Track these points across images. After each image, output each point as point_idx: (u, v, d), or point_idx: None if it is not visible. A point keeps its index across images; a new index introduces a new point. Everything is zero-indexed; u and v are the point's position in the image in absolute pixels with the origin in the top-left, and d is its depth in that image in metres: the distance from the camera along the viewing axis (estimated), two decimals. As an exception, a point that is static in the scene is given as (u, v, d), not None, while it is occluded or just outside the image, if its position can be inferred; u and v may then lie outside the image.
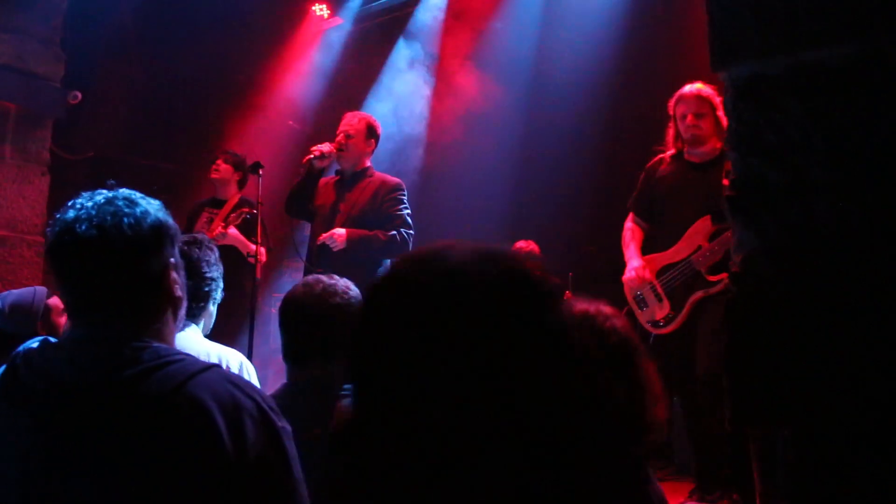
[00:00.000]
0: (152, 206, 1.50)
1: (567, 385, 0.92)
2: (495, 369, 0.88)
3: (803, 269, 1.41)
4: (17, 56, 5.57)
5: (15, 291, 3.74)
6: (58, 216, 1.48)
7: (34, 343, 1.50)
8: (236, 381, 1.42)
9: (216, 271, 2.47)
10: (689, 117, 3.97)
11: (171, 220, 1.53)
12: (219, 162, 5.40)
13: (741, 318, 1.46)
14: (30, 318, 3.63)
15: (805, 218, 1.42)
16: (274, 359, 6.02)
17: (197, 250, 2.40)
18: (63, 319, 3.81)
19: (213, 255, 2.47)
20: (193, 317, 2.38)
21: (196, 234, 2.59)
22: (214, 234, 4.89)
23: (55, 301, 3.80)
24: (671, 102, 4.08)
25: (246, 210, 5.03)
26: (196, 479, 1.31)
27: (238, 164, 5.42)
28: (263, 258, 4.94)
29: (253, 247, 4.78)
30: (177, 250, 1.55)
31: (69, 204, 1.48)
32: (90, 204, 1.46)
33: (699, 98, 3.97)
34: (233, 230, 4.99)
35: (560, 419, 0.90)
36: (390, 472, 0.91)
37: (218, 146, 6.03)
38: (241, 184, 5.46)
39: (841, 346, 1.34)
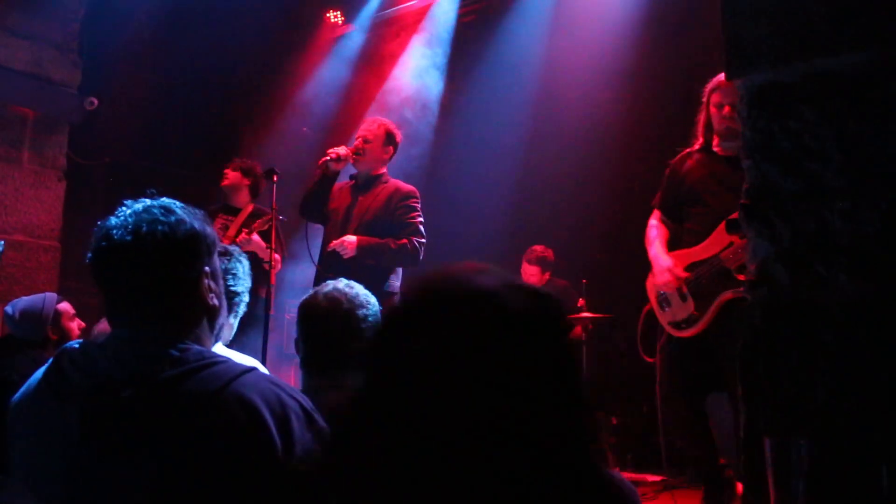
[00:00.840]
0: (189, 215, 1.53)
1: (567, 409, 0.99)
2: (513, 391, 0.94)
3: (818, 276, 1.41)
4: (34, 62, 5.63)
5: (25, 298, 3.79)
6: (99, 223, 1.52)
7: (75, 344, 1.53)
8: (278, 382, 1.45)
9: (242, 285, 2.46)
10: (727, 108, 3.68)
11: (208, 230, 1.56)
12: (226, 171, 5.43)
13: (756, 327, 1.46)
14: (40, 323, 3.68)
15: (820, 225, 1.42)
16: (286, 365, 6.04)
17: (226, 261, 2.40)
18: (74, 324, 3.85)
19: (242, 268, 2.46)
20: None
21: (228, 246, 2.58)
22: (240, 239, 4.93)
23: (65, 306, 3.84)
24: (707, 88, 3.81)
25: (271, 217, 5.08)
26: (245, 475, 1.32)
27: (247, 171, 5.44)
28: (278, 265, 4.96)
29: (276, 255, 4.82)
30: (215, 259, 1.58)
31: (114, 212, 1.52)
32: (129, 212, 1.50)
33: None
34: (256, 237, 5.03)
35: (556, 432, 0.96)
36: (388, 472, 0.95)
37: (232, 153, 6.07)
38: (254, 190, 5.47)
39: (857, 354, 1.34)
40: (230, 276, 2.41)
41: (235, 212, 5.39)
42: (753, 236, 1.51)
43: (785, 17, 1.50)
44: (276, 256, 4.78)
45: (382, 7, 7.39)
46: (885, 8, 1.38)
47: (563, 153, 6.61)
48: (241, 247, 3.40)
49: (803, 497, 1.37)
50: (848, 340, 1.35)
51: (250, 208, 5.42)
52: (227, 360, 1.43)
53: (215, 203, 5.48)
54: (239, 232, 5.14)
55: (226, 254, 2.44)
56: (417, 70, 7.28)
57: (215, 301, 1.56)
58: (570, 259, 6.54)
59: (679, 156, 3.98)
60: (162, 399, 1.36)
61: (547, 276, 6.47)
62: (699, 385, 3.77)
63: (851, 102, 1.43)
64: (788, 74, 1.51)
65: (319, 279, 3.95)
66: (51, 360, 1.52)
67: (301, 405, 1.42)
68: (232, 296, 2.43)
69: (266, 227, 4.99)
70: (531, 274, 6.44)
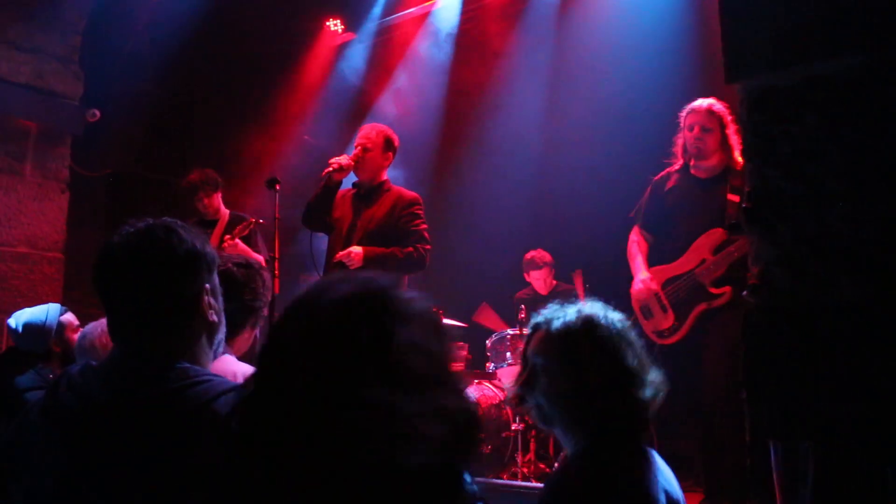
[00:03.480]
0: (190, 235, 1.57)
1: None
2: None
3: (819, 278, 1.41)
4: (36, 75, 5.65)
5: (28, 310, 3.78)
6: (105, 241, 1.56)
7: (76, 366, 1.56)
8: None
9: (261, 299, 2.44)
10: (697, 129, 4.08)
11: (209, 249, 1.60)
12: (205, 201, 5.38)
13: (759, 330, 1.46)
14: (42, 335, 3.67)
15: (821, 228, 1.42)
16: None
17: (244, 273, 2.40)
18: (76, 335, 3.83)
19: (262, 282, 2.45)
20: (226, 338, 2.38)
21: (250, 259, 2.57)
22: (224, 246, 4.92)
23: (69, 317, 3.83)
24: (682, 113, 4.18)
25: (253, 221, 5.08)
26: (217, 496, 1.33)
27: (213, 183, 5.40)
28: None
29: (259, 256, 4.79)
30: (215, 277, 1.61)
31: (116, 231, 1.57)
32: (132, 230, 1.54)
33: (709, 113, 4.07)
34: (241, 243, 5.02)
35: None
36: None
37: (234, 163, 6.06)
38: (218, 192, 5.43)
39: (859, 356, 1.34)
40: (247, 290, 2.39)
41: (213, 224, 5.38)
42: (755, 240, 1.52)
43: (783, 22, 1.50)
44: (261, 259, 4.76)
45: (383, 15, 7.41)
46: (880, 11, 1.39)
47: (575, 160, 6.57)
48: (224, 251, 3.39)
49: (809, 500, 1.37)
50: (850, 342, 1.35)
51: (227, 216, 5.41)
52: (211, 380, 1.45)
53: (192, 218, 5.43)
54: (221, 240, 5.14)
55: (245, 265, 2.43)
56: (421, 75, 7.28)
57: (214, 317, 1.59)
58: (577, 264, 6.51)
59: (661, 174, 4.33)
60: (140, 422, 1.39)
61: (553, 282, 6.47)
62: (687, 388, 3.94)
63: (850, 105, 1.44)
64: (787, 78, 1.51)
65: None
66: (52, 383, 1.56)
67: None
68: (249, 310, 2.42)
69: (247, 231, 5.01)
70: (538, 278, 6.42)
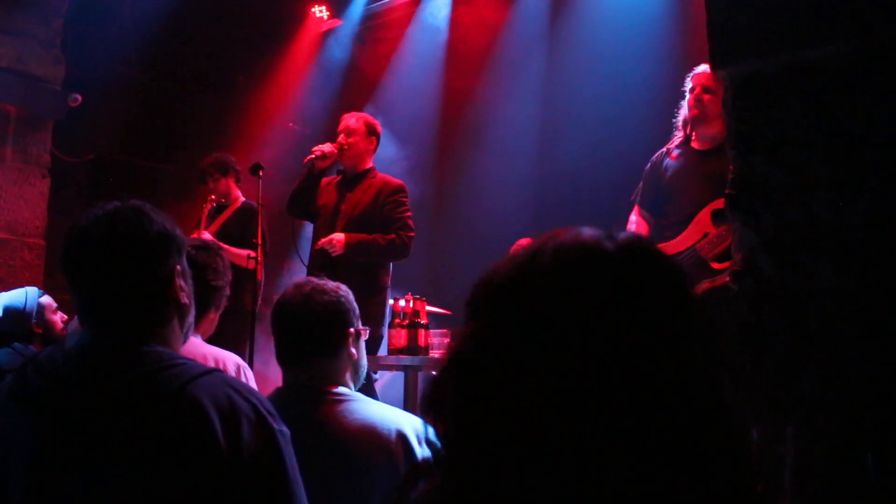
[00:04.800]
0: (159, 217, 1.55)
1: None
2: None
3: (804, 266, 1.42)
4: (17, 58, 5.58)
5: (6, 293, 3.80)
6: (71, 225, 1.53)
7: (46, 350, 1.54)
8: (235, 385, 1.44)
9: (222, 279, 2.46)
10: (698, 89, 3.77)
11: (178, 231, 1.58)
12: (210, 185, 5.33)
13: (743, 316, 1.47)
14: (23, 318, 3.70)
15: (805, 214, 1.42)
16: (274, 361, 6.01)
17: (204, 255, 2.40)
18: (57, 317, 3.86)
19: (222, 262, 2.46)
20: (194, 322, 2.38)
21: (206, 240, 2.57)
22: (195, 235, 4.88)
23: (47, 299, 3.86)
24: (686, 79, 3.89)
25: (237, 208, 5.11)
26: (192, 479, 1.33)
27: (220, 168, 5.35)
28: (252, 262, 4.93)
29: (241, 252, 4.72)
30: (184, 259, 1.59)
31: (84, 214, 1.53)
32: (101, 213, 1.52)
33: (714, 75, 3.82)
34: (206, 234, 4.97)
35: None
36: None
37: (218, 148, 6.00)
38: (235, 178, 5.38)
39: (843, 343, 1.34)
40: (209, 271, 2.40)
41: (224, 209, 5.35)
42: (739, 226, 1.52)
43: (769, 8, 1.50)
44: (240, 251, 4.68)
45: (370, 1, 7.36)
46: (868, -2, 1.39)
47: (577, 151, 6.50)
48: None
49: (790, 486, 1.38)
50: (833, 329, 1.35)
51: (238, 202, 5.36)
52: (185, 363, 1.43)
53: (205, 200, 5.40)
54: (223, 226, 5.13)
55: (203, 247, 2.43)
56: (410, 63, 7.24)
57: (186, 299, 1.57)
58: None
59: (658, 152, 4.07)
60: (114, 405, 1.37)
61: None
62: None
63: (836, 92, 1.43)
64: (773, 65, 1.51)
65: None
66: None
67: (255, 408, 1.41)
68: (212, 290, 2.42)
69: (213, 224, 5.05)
70: None
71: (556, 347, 0.79)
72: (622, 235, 0.86)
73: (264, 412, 1.42)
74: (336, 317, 2.06)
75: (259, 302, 4.58)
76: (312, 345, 2.04)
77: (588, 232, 0.87)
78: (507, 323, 0.83)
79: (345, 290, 2.14)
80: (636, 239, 0.86)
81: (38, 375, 1.45)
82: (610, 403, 0.76)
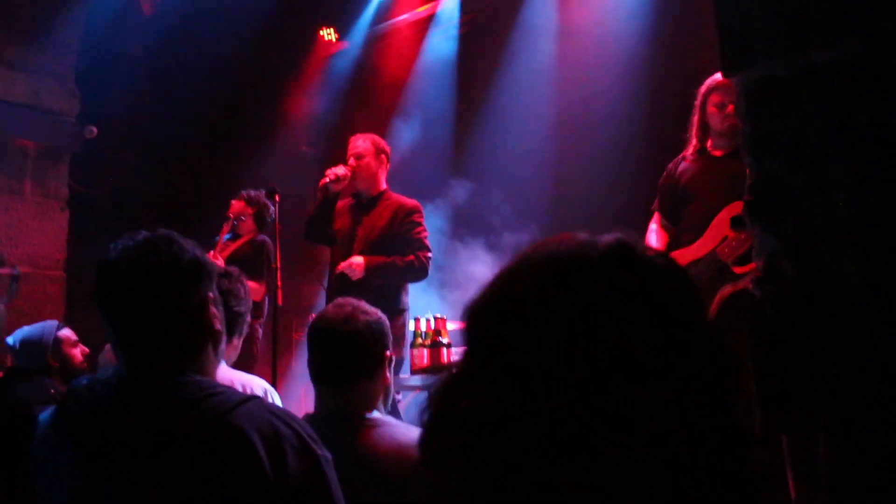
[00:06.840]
0: (189, 245, 1.55)
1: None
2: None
3: (825, 267, 1.40)
4: (33, 94, 5.66)
5: (26, 327, 3.84)
6: (100, 257, 1.53)
7: (84, 380, 1.54)
8: (276, 411, 1.45)
9: (244, 305, 2.49)
10: (730, 107, 3.58)
11: (208, 259, 1.59)
12: (231, 202, 5.38)
13: (767, 322, 1.45)
14: (39, 351, 3.73)
15: (826, 216, 1.41)
16: (298, 384, 6.02)
17: (227, 282, 2.42)
18: (75, 350, 3.88)
19: (244, 289, 2.50)
20: None
21: (229, 268, 2.61)
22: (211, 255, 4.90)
23: (66, 333, 3.89)
24: (701, 90, 3.78)
25: (246, 240, 5.11)
26: None
27: (251, 200, 5.37)
28: (260, 295, 4.96)
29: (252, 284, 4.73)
30: (215, 286, 1.59)
31: (111, 245, 1.53)
32: (131, 244, 1.52)
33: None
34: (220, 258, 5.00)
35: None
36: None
37: (232, 175, 6.04)
38: (259, 218, 5.38)
39: (867, 344, 1.32)
40: (231, 297, 2.42)
41: (237, 238, 5.37)
42: (759, 232, 1.50)
43: (778, 10, 1.49)
44: (253, 284, 4.67)
45: (375, 22, 7.41)
46: (879, -4, 1.38)
47: (588, 146, 6.45)
48: None
49: (823, 495, 1.35)
50: (857, 330, 1.33)
51: (249, 237, 5.35)
52: (224, 392, 1.43)
53: (219, 229, 5.42)
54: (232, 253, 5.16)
55: (226, 275, 2.45)
56: (419, 80, 7.26)
57: (219, 326, 1.57)
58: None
59: (675, 159, 4.00)
60: (156, 435, 1.37)
61: None
62: None
63: (849, 92, 1.42)
64: (785, 68, 1.50)
65: (329, 301, 3.94)
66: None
67: (298, 434, 1.41)
68: (235, 316, 2.44)
69: (227, 251, 5.06)
70: None
71: (544, 369, 0.77)
72: (606, 240, 0.84)
73: (307, 438, 1.42)
74: (377, 338, 2.06)
75: (279, 327, 4.59)
76: (354, 364, 2.03)
77: (573, 241, 0.85)
78: (491, 348, 0.82)
79: (382, 314, 2.14)
80: (621, 243, 0.84)
81: (79, 406, 1.46)
82: (603, 421, 0.75)
